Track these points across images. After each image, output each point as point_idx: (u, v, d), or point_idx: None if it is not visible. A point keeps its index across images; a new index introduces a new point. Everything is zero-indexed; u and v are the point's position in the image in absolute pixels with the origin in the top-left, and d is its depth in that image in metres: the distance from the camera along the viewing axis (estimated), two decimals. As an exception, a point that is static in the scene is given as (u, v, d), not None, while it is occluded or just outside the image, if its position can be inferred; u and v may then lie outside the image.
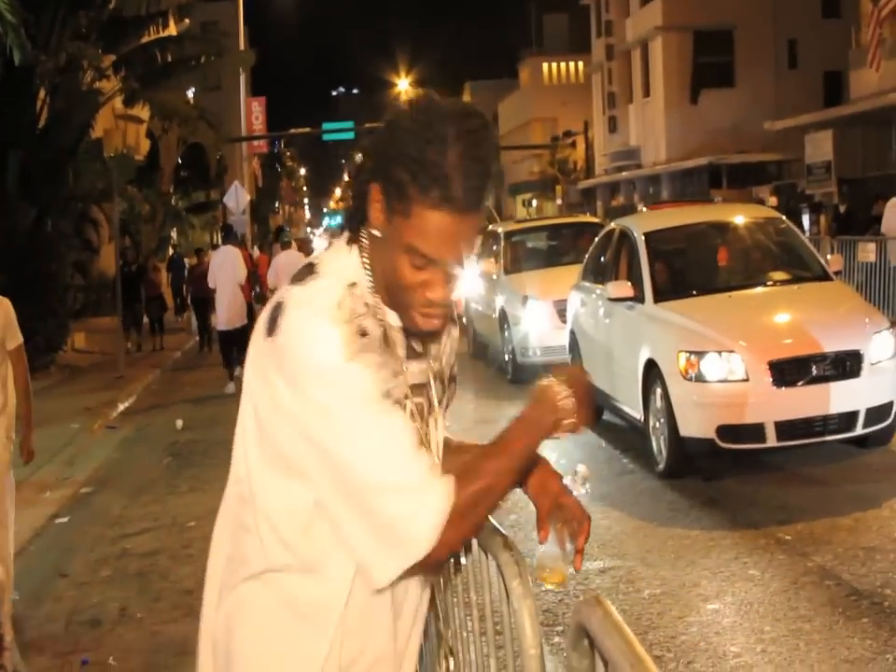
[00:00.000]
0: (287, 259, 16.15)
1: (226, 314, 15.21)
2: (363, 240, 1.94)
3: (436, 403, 2.05)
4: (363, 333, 1.84)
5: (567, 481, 2.14)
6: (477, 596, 2.37)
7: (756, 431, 7.70)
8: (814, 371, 7.76)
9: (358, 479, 1.84)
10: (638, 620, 5.53)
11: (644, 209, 12.91)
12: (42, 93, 16.83)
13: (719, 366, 7.79)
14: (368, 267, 1.93)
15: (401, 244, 1.84)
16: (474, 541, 2.35)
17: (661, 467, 8.29)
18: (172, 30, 20.25)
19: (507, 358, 14.08)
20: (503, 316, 14.28)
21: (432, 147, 1.79)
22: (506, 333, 14.12)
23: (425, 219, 1.80)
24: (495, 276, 15.30)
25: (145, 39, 18.97)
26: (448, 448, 2.18)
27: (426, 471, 1.86)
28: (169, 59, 19.04)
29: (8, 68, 14.35)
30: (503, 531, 2.22)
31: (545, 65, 62.32)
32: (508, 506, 7.70)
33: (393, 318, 1.93)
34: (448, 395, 2.12)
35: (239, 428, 2.00)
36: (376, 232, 1.89)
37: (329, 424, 1.83)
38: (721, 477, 8.21)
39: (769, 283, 9.22)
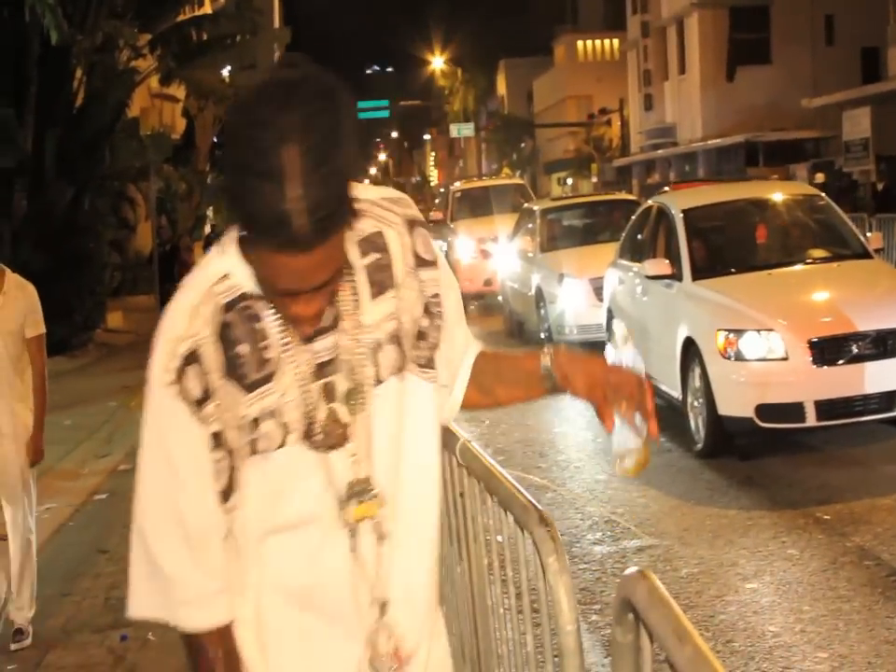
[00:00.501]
0: None
1: None
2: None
3: (378, 375, 1.79)
4: (190, 359, 1.69)
5: (608, 352, 1.99)
6: (513, 573, 2.35)
7: (796, 411, 7.64)
8: (854, 349, 7.69)
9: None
10: (676, 599, 5.38)
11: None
12: (79, 73, 16.89)
13: (758, 344, 7.73)
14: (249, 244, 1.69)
15: None
16: (510, 517, 2.32)
17: (699, 446, 8.24)
18: (207, 8, 20.29)
19: (543, 336, 14.04)
20: (539, 295, 14.24)
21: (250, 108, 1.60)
22: (542, 311, 14.08)
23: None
24: (531, 254, 15.26)
25: (180, 18, 19.03)
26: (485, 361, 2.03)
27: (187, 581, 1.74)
28: (204, 37, 19.06)
29: (45, 48, 14.40)
30: (539, 507, 2.18)
31: (580, 43, 61.85)
32: (545, 483, 7.76)
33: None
34: (419, 354, 1.84)
35: None
36: None
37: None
38: (758, 456, 8.15)
39: (809, 261, 9.14)
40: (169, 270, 21.37)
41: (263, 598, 1.78)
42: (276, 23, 42.69)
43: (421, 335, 1.84)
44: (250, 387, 1.70)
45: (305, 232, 1.53)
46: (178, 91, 23.26)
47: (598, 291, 12.60)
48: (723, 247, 9.72)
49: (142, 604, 1.78)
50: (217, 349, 1.69)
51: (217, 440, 1.70)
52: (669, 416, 9.53)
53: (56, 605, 6.11)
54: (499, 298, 17.76)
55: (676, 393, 8.68)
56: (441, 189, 33.62)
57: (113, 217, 20.71)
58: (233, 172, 1.57)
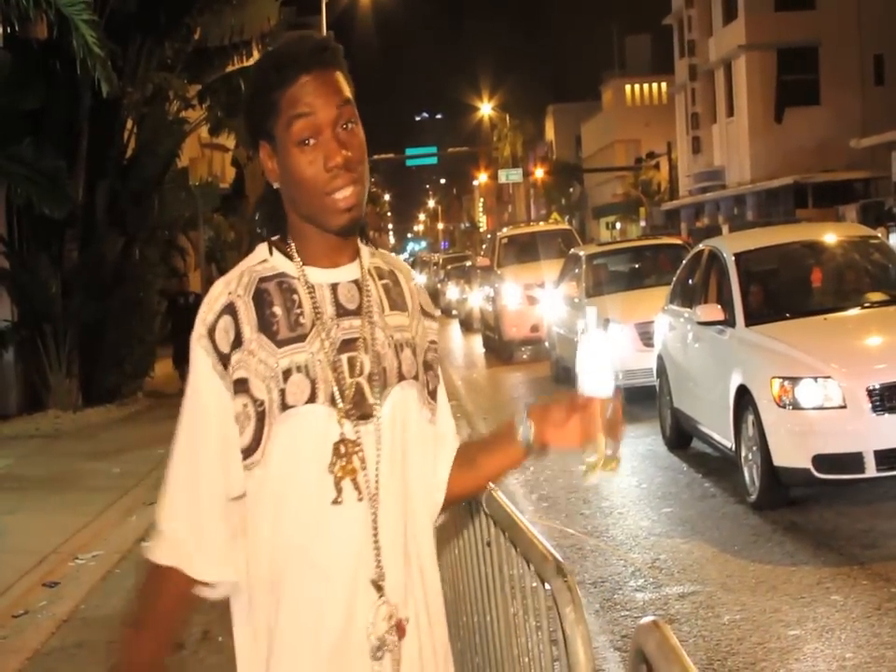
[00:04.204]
0: None
1: None
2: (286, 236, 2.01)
3: (402, 371, 1.99)
4: (225, 311, 1.89)
5: (578, 359, 2.01)
6: (536, 623, 2.36)
7: (855, 461, 7.41)
8: (915, 396, 7.46)
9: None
10: (718, 646, 5.46)
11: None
12: (129, 124, 17.07)
13: (815, 392, 7.53)
14: (284, 239, 1.98)
15: (287, 143, 1.90)
16: (531, 567, 2.32)
17: (753, 497, 8.03)
18: (256, 58, 20.43)
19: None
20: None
21: (269, 60, 1.95)
22: (589, 357, 13.90)
23: (289, 95, 1.89)
24: (577, 300, 15.17)
25: (229, 68, 19.19)
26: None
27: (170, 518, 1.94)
28: (253, 87, 19.17)
29: (96, 100, 14.56)
30: (557, 556, 2.18)
31: (628, 87, 62.07)
32: (585, 533, 7.66)
33: (317, 276, 1.95)
34: (428, 380, 2.05)
35: None
36: (276, 185, 1.97)
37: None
38: (804, 502, 8.03)
39: (866, 304, 8.92)
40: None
41: (277, 555, 1.89)
42: (325, 73, 43.00)
43: (428, 365, 2.05)
44: (281, 343, 1.88)
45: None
46: (228, 140, 23.47)
47: (644, 336, 12.54)
48: (777, 292, 9.55)
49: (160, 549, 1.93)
50: (252, 306, 1.89)
51: (242, 385, 1.87)
52: (714, 462, 9.45)
53: (101, 652, 6.04)
54: (546, 344, 17.70)
55: (728, 443, 8.49)
56: (489, 235, 33.63)
57: (163, 266, 20.85)
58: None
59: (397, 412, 1.96)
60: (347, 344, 1.93)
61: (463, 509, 2.93)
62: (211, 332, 1.88)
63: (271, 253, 1.96)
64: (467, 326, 28.72)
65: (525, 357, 20.69)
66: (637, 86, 62.05)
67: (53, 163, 14.55)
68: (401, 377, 1.98)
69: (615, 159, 58.27)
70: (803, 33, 37.27)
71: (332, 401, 1.89)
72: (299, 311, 1.91)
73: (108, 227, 15.85)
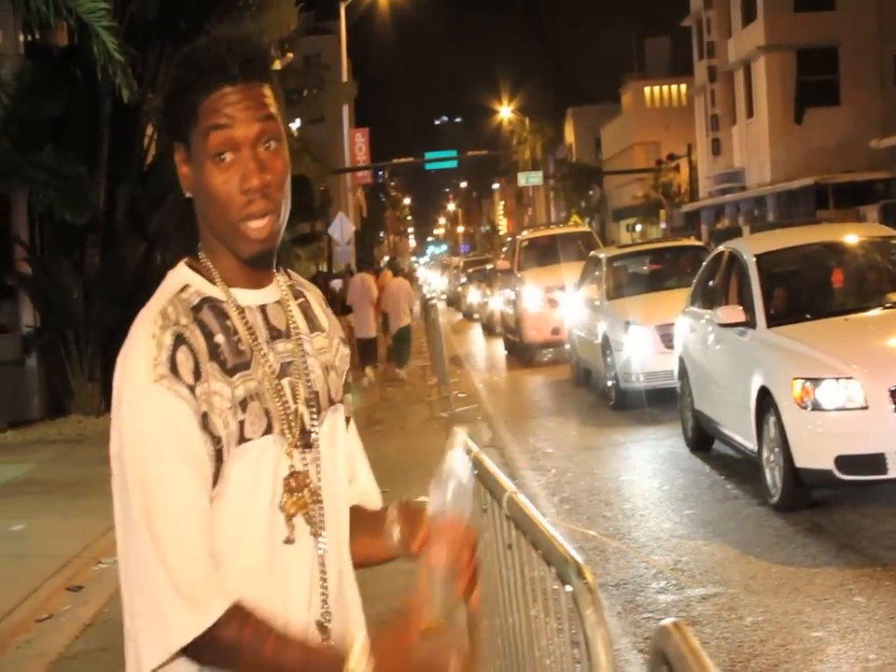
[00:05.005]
0: (398, 285, 20.87)
1: (364, 325, 19.83)
2: (198, 246, 1.88)
3: (330, 394, 1.91)
4: (178, 342, 1.73)
5: (433, 484, 1.77)
6: (557, 624, 2.36)
7: (877, 462, 7.37)
8: (938, 397, 7.41)
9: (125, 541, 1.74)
10: (740, 647, 5.44)
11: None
12: (149, 129, 17.14)
13: (836, 393, 7.50)
14: (202, 260, 1.85)
15: (202, 154, 1.78)
16: (552, 569, 2.32)
17: (775, 499, 8.00)
18: (275, 64, 20.53)
19: (609, 384, 13.89)
20: (605, 342, 14.11)
21: (192, 61, 1.81)
22: (608, 359, 13.93)
23: (208, 103, 1.77)
24: (597, 302, 15.17)
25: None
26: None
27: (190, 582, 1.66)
28: (272, 92, 19.24)
29: (116, 106, 14.62)
30: (577, 557, 2.19)
31: (647, 89, 61.92)
32: (607, 535, 7.63)
33: (245, 297, 1.84)
34: (346, 408, 1.98)
35: None
36: (189, 194, 1.85)
37: (121, 446, 1.73)
38: (826, 503, 8.00)
39: (888, 305, 8.87)
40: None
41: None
42: (344, 77, 43.22)
43: (345, 390, 1.99)
44: (232, 371, 1.77)
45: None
46: (247, 145, 23.52)
47: (665, 338, 12.55)
48: (798, 293, 9.51)
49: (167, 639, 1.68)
50: (199, 335, 1.76)
51: (205, 420, 1.72)
52: (736, 463, 9.42)
53: (125, 656, 6.05)
54: (567, 346, 17.68)
55: (750, 444, 8.46)
56: (509, 239, 33.62)
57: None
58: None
59: (329, 438, 1.89)
60: (284, 369, 1.84)
61: (483, 512, 2.93)
62: (174, 368, 1.71)
63: (201, 275, 1.84)
64: (489, 330, 28.72)
65: (545, 359, 20.69)
66: (656, 88, 61.89)
67: (74, 169, 14.62)
68: (331, 401, 1.91)
69: (635, 161, 58.14)
70: (822, 33, 37.08)
71: (282, 432, 1.79)
72: (235, 337, 1.80)
73: (129, 232, 15.91)
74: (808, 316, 8.72)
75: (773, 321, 8.66)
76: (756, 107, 40.31)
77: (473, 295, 36.43)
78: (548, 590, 2.40)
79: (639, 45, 65.97)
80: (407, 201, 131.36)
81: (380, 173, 69.06)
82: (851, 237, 9.95)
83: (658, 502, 8.83)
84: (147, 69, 16.03)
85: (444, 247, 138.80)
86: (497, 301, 26.15)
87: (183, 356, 1.73)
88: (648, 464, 10.36)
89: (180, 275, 1.85)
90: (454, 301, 48.07)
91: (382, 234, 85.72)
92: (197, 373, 1.73)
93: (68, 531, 8.71)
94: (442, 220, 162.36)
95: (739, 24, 41.43)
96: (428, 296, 30.05)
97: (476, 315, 34.41)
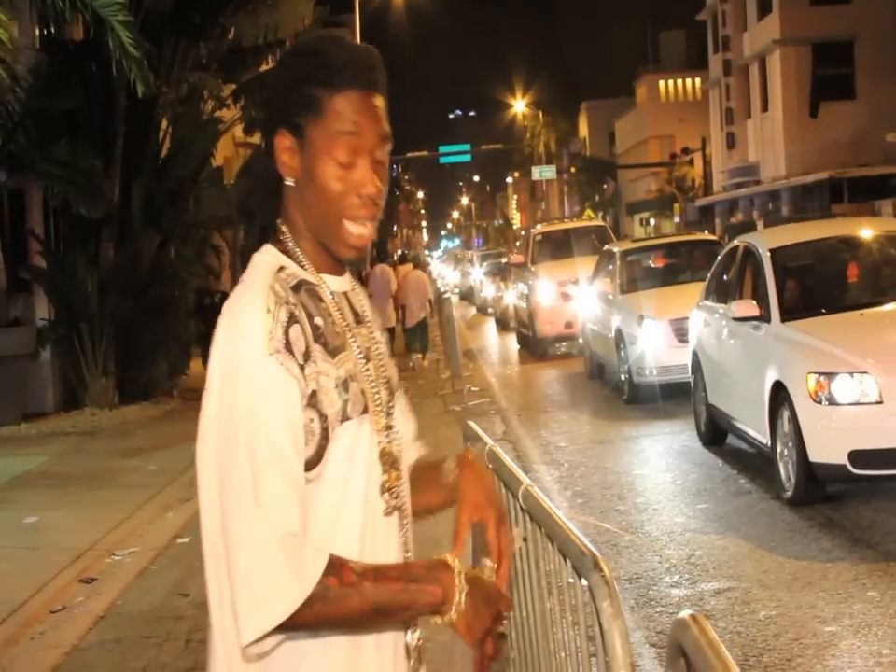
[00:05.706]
0: (415, 277, 21.33)
1: (382, 315, 18.92)
2: (281, 229, 1.92)
3: (396, 378, 2.04)
4: (291, 320, 1.78)
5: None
6: (573, 617, 2.38)
7: (891, 456, 7.36)
8: (953, 392, 7.39)
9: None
10: (753, 641, 5.44)
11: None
12: (164, 124, 17.17)
13: (851, 388, 7.48)
14: (290, 245, 1.90)
15: (322, 151, 1.84)
16: (568, 562, 2.32)
17: (789, 494, 7.99)
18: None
19: (623, 378, 13.88)
20: (619, 336, 14.09)
21: (317, 55, 1.86)
22: (622, 353, 13.92)
23: (336, 103, 1.83)
24: (611, 296, 15.15)
25: (263, 68, 19.26)
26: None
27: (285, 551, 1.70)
28: (287, 86, 19.22)
29: (132, 100, 14.65)
30: (595, 551, 2.18)
31: (661, 83, 61.71)
32: (620, 528, 7.63)
33: (332, 283, 1.92)
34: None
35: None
36: (290, 182, 1.89)
37: (232, 415, 1.75)
38: (840, 498, 7.99)
39: (903, 300, 8.84)
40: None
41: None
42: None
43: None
44: (333, 353, 1.84)
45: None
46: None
47: (678, 332, 12.54)
48: (813, 287, 9.49)
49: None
50: (304, 316, 1.82)
51: (312, 399, 1.78)
52: (749, 458, 9.41)
53: (138, 647, 6.11)
54: (580, 340, 17.67)
55: (764, 439, 8.44)
56: (522, 233, 33.58)
57: (198, 264, 20.98)
58: None
59: (400, 419, 2.01)
60: (367, 353, 1.94)
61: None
62: (288, 346, 1.76)
63: (290, 258, 1.90)
64: (503, 324, 28.69)
65: (559, 353, 20.68)
66: (670, 82, 61.68)
67: (89, 163, 14.68)
68: (398, 385, 2.04)
69: (649, 155, 57.96)
70: (838, 26, 36.90)
71: (375, 412, 1.90)
72: (330, 319, 1.88)
73: (144, 226, 15.95)
74: (823, 311, 8.70)
75: (787, 315, 8.64)
76: (771, 101, 40.15)
77: (488, 289, 36.38)
78: (563, 583, 2.40)
79: (654, 38, 65.76)
80: (420, 194, 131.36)
81: (394, 166, 69.00)
82: (866, 231, 9.91)
83: (671, 496, 8.82)
84: (162, 63, 16.06)
85: (458, 241, 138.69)
86: (511, 296, 26.14)
87: (295, 334, 1.78)
88: (661, 458, 10.36)
89: (273, 256, 1.89)
90: (467, 296, 48.00)
91: (395, 228, 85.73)
92: (307, 354, 1.79)
93: (82, 523, 8.76)
94: (456, 214, 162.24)
95: (755, 18, 41.27)
96: (442, 289, 30.03)
97: (490, 310, 34.37)
